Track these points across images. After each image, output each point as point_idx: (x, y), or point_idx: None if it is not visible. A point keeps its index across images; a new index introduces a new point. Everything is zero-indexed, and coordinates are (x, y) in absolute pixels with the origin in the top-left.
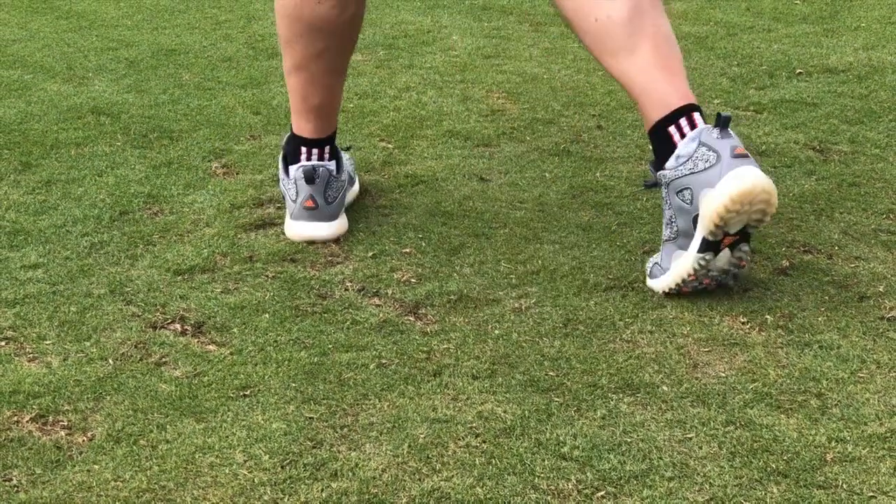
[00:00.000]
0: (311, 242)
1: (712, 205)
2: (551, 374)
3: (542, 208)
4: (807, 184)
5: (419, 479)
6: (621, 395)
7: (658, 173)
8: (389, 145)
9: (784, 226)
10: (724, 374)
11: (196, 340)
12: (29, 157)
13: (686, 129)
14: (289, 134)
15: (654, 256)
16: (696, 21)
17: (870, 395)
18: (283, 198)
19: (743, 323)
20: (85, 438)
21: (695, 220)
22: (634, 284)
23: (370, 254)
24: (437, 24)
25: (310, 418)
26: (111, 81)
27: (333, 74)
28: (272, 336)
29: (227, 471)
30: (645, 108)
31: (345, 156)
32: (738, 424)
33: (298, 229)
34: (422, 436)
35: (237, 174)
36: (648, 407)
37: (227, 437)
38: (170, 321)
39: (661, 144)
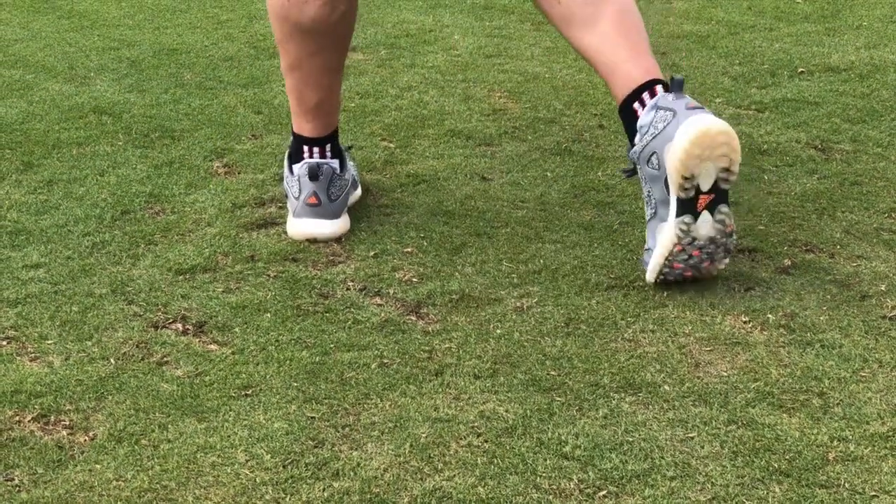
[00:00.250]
0: (314, 241)
1: (674, 155)
2: (553, 373)
3: (543, 207)
4: (809, 183)
5: (421, 479)
6: (623, 395)
7: (631, 153)
8: (391, 144)
9: (786, 225)
10: (725, 374)
11: (197, 340)
12: (31, 157)
13: (647, 101)
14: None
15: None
16: (698, 20)
17: (872, 394)
18: (286, 196)
19: (745, 322)
20: (86, 438)
21: (667, 184)
22: (636, 283)
23: (372, 253)
24: (438, 24)
25: (311, 418)
26: (113, 81)
27: (329, 73)
28: (274, 335)
29: (228, 470)
30: (612, 88)
31: (347, 156)
32: (740, 424)
33: (301, 227)
34: (423, 435)
35: (239, 173)
36: (650, 406)
37: (229, 436)
38: (171, 321)
39: (630, 123)
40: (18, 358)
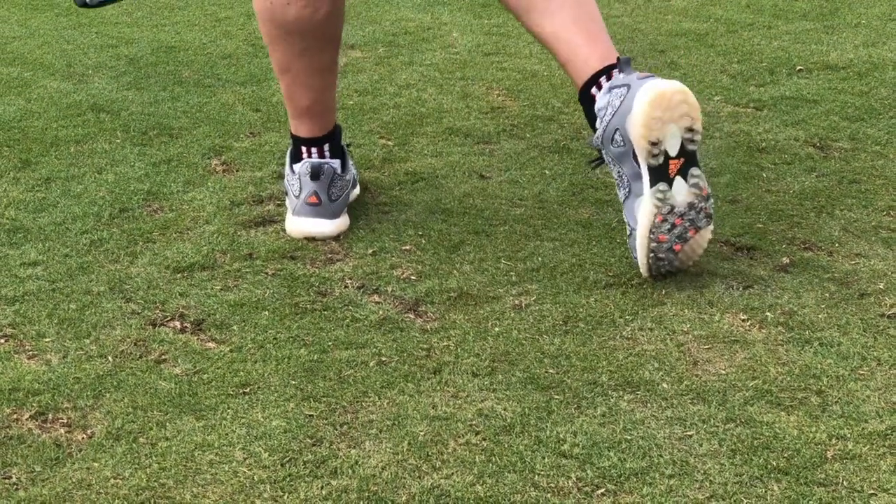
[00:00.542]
0: (312, 239)
1: (637, 122)
2: (551, 371)
3: (542, 205)
4: (807, 181)
5: (419, 477)
6: (621, 393)
7: (594, 139)
8: (389, 142)
9: (784, 223)
10: (724, 372)
11: (196, 338)
12: (28, 155)
13: (604, 84)
14: None
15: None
16: (697, 18)
17: (870, 392)
18: (286, 194)
19: (743, 320)
20: (84, 436)
21: (635, 157)
22: (634, 281)
23: (370, 251)
24: (437, 21)
25: (309, 416)
26: (111, 79)
27: (319, 74)
28: (272, 333)
29: (226, 468)
30: (571, 75)
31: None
32: (738, 422)
33: (300, 225)
34: (422, 433)
35: (237, 171)
36: (648, 404)
37: (227, 434)
38: (169, 318)
39: (590, 108)
40: (16, 356)
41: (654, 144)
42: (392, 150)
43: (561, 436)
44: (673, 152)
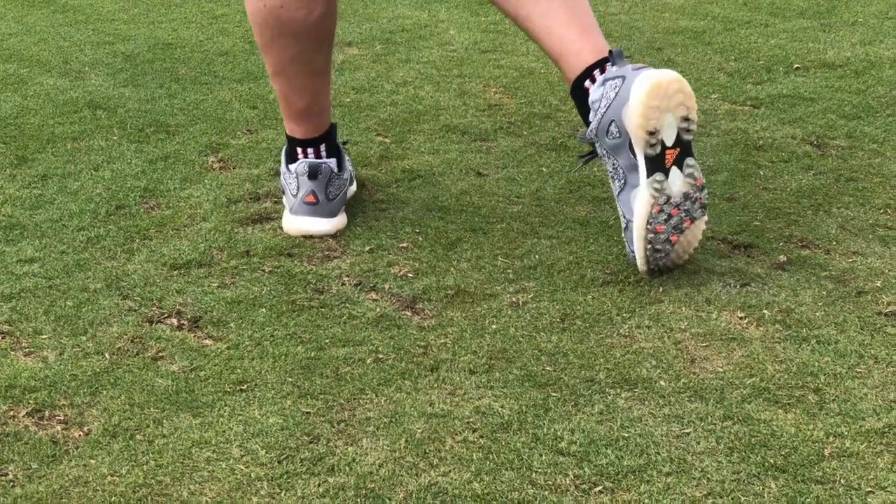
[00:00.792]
0: (309, 237)
1: (634, 112)
2: (549, 368)
3: (539, 203)
4: (804, 179)
5: (416, 474)
6: (619, 390)
7: (587, 133)
8: (386, 140)
9: (781, 221)
10: (721, 370)
11: (192, 335)
12: (25, 152)
13: (598, 77)
14: None
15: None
16: (694, 16)
17: (867, 390)
18: (283, 192)
19: (740, 318)
20: (81, 433)
21: (631, 148)
22: (632, 279)
23: (367, 248)
24: (434, 19)
25: (307, 413)
26: (107, 76)
27: (313, 76)
28: (269, 331)
29: (223, 466)
30: (563, 69)
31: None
32: (735, 419)
33: (298, 224)
34: (419, 431)
35: (234, 168)
36: (646, 402)
37: (224, 431)
38: (166, 316)
39: (582, 101)
40: (12, 353)
41: (651, 134)
42: (389, 147)
43: (558, 433)
44: (669, 142)
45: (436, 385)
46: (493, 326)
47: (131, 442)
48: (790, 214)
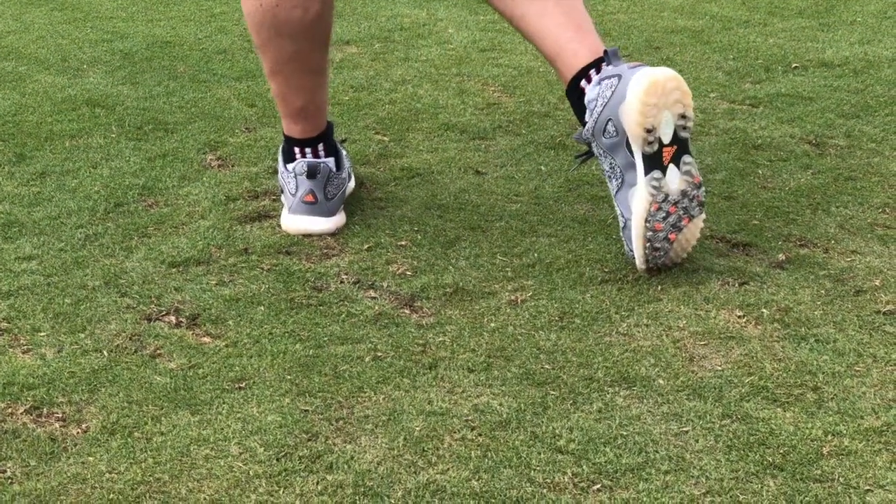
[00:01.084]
0: (308, 235)
1: (632, 109)
2: (547, 367)
3: (537, 201)
4: (803, 178)
5: (415, 472)
6: (617, 389)
7: (584, 132)
8: (385, 138)
9: (780, 220)
10: (720, 368)
11: (191, 332)
12: (23, 149)
13: (594, 77)
14: None
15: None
16: (692, 15)
17: (866, 388)
18: (281, 190)
19: (739, 316)
20: (79, 430)
21: (628, 146)
22: (630, 277)
23: (366, 246)
24: (432, 17)
25: (305, 411)
26: (106, 73)
27: (310, 75)
28: (267, 328)
29: (221, 463)
30: (559, 69)
31: (342, 151)
32: (734, 418)
33: (296, 223)
34: (417, 429)
35: (232, 166)
36: (644, 400)
37: (222, 429)
38: (164, 313)
39: (578, 100)
40: (11, 350)
41: (648, 132)
42: (388, 145)
43: (557, 431)
44: (666, 140)
45: (434, 383)
46: (492, 325)
47: (129, 439)
48: (789, 213)
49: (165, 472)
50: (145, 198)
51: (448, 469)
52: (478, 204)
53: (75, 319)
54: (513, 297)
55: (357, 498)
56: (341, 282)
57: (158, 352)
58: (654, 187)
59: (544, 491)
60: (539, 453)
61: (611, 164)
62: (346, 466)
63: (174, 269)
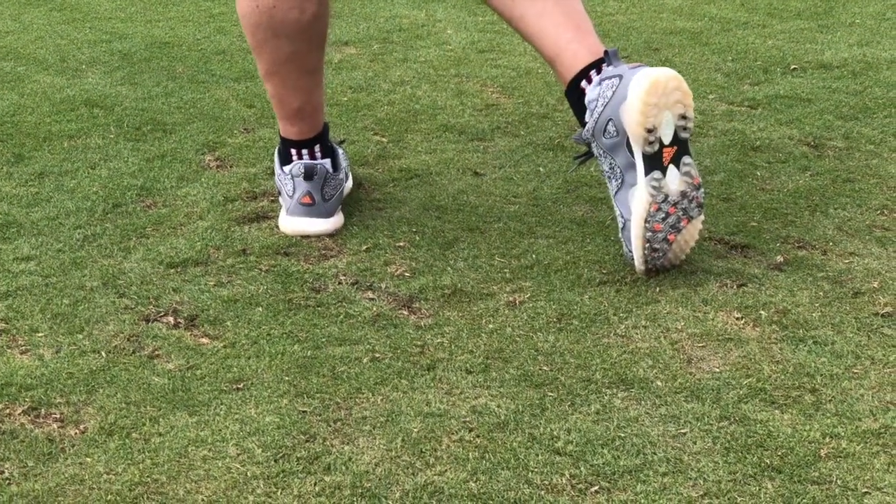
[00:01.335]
0: (306, 236)
1: (633, 109)
2: (545, 368)
3: (536, 203)
4: (801, 179)
5: (412, 474)
6: (615, 390)
7: (583, 133)
8: (383, 139)
9: (778, 221)
10: (718, 370)
11: (189, 333)
12: (22, 150)
13: (594, 77)
14: None
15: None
16: (691, 16)
17: (864, 390)
18: (279, 192)
19: (737, 318)
20: (77, 431)
21: (629, 146)
22: (628, 279)
23: (364, 248)
24: (431, 18)
25: (303, 412)
26: (104, 74)
27: (307, 76)
28: (265, 329)
29: (219, 464)
30: (558, 70)
31: (339, 151)
32: (732, 420)
33: (294, 225)
34: (415, 430)
35: (231, 167)
36: (642, 402)
37: (220, 430)
38: (163, 314)
39: (578, 101)
40: (9, 351)
41: (649, 132)
42: (386, 146)
43: (555, 433)
44: (667, 140)
45: (432, 384)
46: (490, 326)
47: (127, 440)
48: (787, 215)
49: (163, 473)
50: (143, 198)
51: (446, 470)
52: (476, 205)
53: (73, 320)
54: (511, 299)
55: (355, 499)
56: (339, 283)
57: (156, 353)
58: (654, 188)
59: (542, 492)
60: (537, 455)
61: (610, 164)
62: (343, 468)
63: (172, 270)
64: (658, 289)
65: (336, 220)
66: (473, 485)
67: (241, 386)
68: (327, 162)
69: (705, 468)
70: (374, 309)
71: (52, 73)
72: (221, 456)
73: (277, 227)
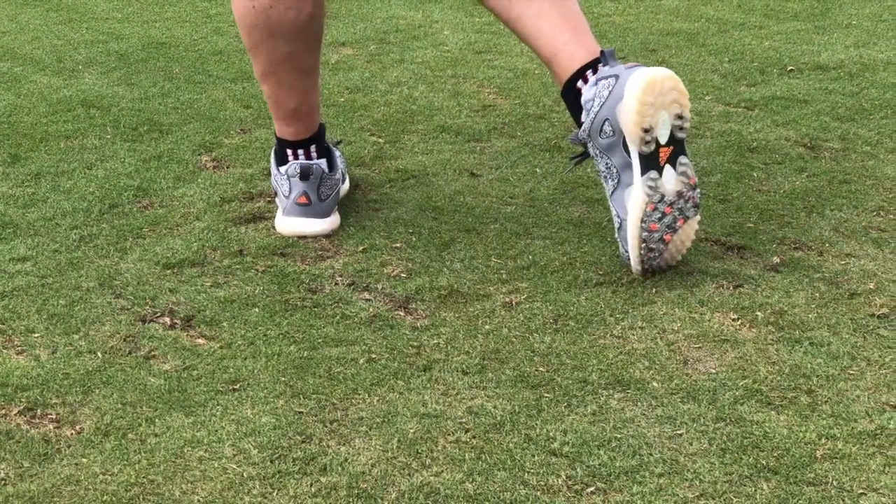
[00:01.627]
0: (303, 236)
1: (629, 109)
2: (541, 369)
3: (532, 204)
4: (798, 181)
5: (409, 474)
6: (611, 391)
7: (580, 133)
8: (380, 140)
9: (775, 222)
10: (714, 371)
11: (185, 334)
12: (18, 150)
13: (591, 77)
14: None
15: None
16: (688, 17)
17: (860, 392)
18: (275, 193)
19: (733, 319)
20: (73, 432)
21: (625, 146)
22: (625, 280)
23: (360, 248)
24: (428, 19)
25: (299, 413)
26: (101, 74)
27: (303, 76)
28: (262, 330)
29: (215, 465)
30: (555, 70)
31: (336, 152)
32: (728, 421)
33: (291, 225)
34: (411, 431)
35: (227, 168)
36: (639, 403)
37: (216, 431)
38: (159, 314)
39: (574, 101)
40: (5, 351)
41: (646, 131)
42: (383, 147)
43: (551, 434)
44: (663, 140)
45: (428, 385)
46: (486, 327)
47: (123, 441)
48: (783, 216)
49: (159, 473)
50: (140, 199)
51: (442, 471)
52: (472, 206)
53: (69, 321)
54: (507, 300)
55: (351, 500)
56: (336, 283)
57: (153, 353)
58: (651, 187)
59: (538, 493)
60: (533, 456)
61: (607, 164)
62: (339, 468)
63: (169, 271)
64: (654, 290)
65: (332, 221)
66: (470, 486)
67: (237, 387)
68: (323, 162)
69: (701, 469)
70: (371, 310)
71: (48, 73)
72: (217, 456)
73: (274, 227)
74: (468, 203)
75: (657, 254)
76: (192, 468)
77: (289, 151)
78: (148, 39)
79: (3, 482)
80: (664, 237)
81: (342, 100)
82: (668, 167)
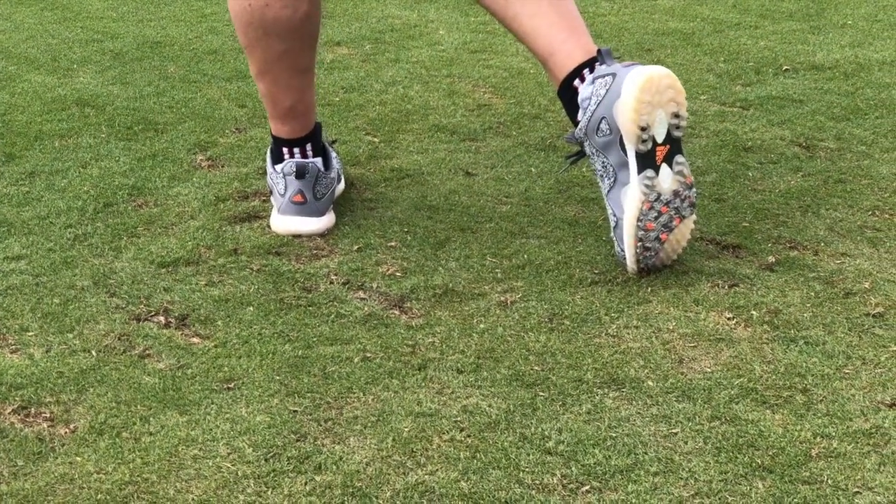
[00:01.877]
0: (298, 235)
1: (626, 107)
2: (536, 368)
3: (527, 203)
4: (793, 180)
5: (403, 473)
6: (606, 390)
7: (576, 132)
8: (375, 139)
9: (770, 222)
10: (709, 370)
11: (180, 333)
12: (13, 149)
13: (588, 76)
14: None
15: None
16: (683, 17)
17: (855, 391)
18: (270, 192)
19: (728, 318)
20: (67, 430)
21: (622, 144)
22: (620, 279)
23: (355, 247)
24: (423, 19)
25: (294, 411)
26: (96, 73)
27: (299, 74)
28: (256, 329)
29: (210, 463)
30: (551, 69)
31: (331, 151)
32: (723, 420)
33: (286, 224)
34: (406, 429)
35: (222, 167)
36: (634, 402)
37: (211, 429)
38: (154, 313)
39: (571, 99)
40: None
41: (643, 130)
42: (378, 146)
43: (546, 433)
44: (660, 139)
45: (423, 384)
46: (482, 326)
47: (118, 439)
48: (779, 216)
49: (153, 472)
50: (135, 198)
51: (437, 470)
52: (468, 205)
53: (64, 319)
54: (502, 299)
55: (345, 499)
56: (331, 282)
57: (147, 352)
58: (647, 186)
59: (533, 492)
60: (528, 454)
61: (603, 163)
62: (334, 467)
63: (163, 270)
64: (650, 289)
65: (327, 220)
66: (464, 484)
67: (231, 385)
68: (319, 161)
69: (696, 468)
70: (366, 309)
71: (43, 72)
72: (212, 455)
73: (269, 226)
74: (463, 202)
75: (653, 253)
76: (187, 467)
77: (285, 150)
78: (143, 38)
79: None
80: (660, 236)
81: (337, 99)
82: (664, 166)
